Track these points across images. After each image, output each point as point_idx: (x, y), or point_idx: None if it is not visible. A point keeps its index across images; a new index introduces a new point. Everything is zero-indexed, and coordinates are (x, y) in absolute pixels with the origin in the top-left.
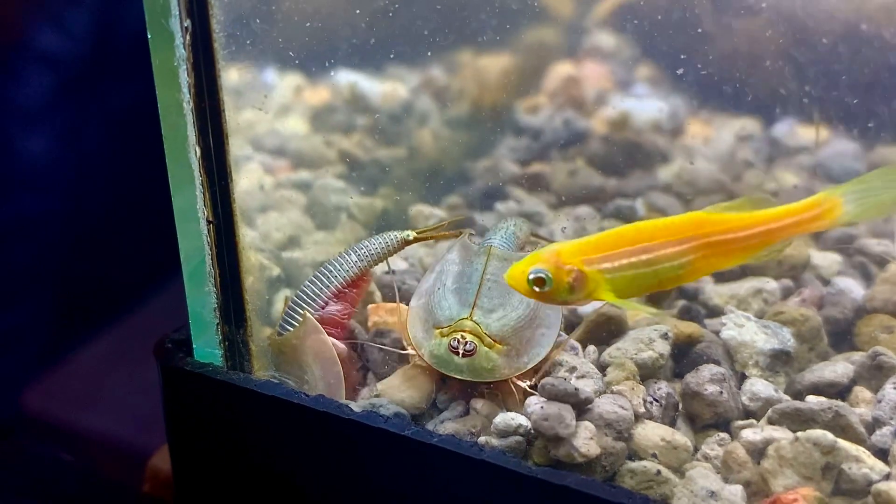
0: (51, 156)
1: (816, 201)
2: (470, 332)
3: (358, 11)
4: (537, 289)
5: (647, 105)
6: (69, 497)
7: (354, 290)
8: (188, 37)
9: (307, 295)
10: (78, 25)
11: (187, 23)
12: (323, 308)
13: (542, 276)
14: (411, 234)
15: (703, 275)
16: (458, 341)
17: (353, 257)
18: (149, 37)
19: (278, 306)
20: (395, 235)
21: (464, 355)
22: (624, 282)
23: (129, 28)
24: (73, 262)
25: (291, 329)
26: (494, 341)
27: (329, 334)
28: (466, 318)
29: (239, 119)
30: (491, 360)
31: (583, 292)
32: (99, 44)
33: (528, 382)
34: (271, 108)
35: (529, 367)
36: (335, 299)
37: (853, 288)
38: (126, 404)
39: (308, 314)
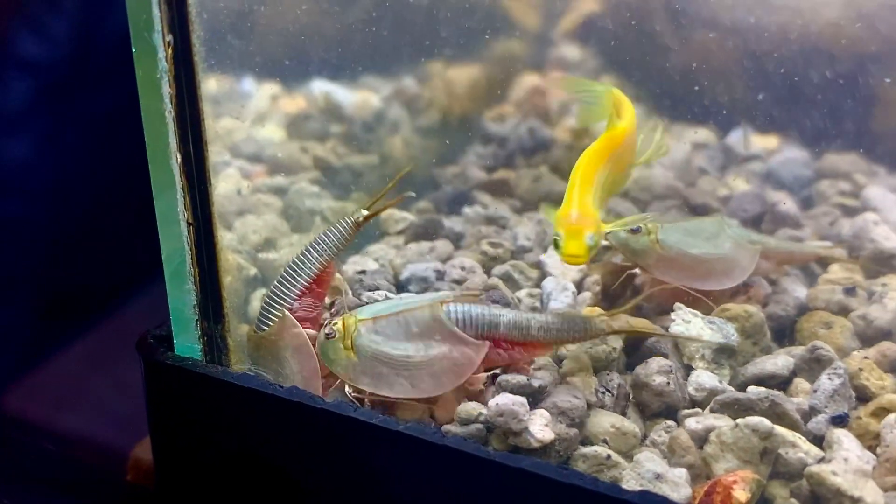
0: (32, 160)
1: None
2: (344, 326)
3: (333, 25)
4: (592, 251)
5: None
6: (54, 485)
7: (320, 285)
8: (170, 50)
9: (277, 295)
10: (59, 31)
11: (169, 37)
12: (292, 306)
13: (595, 238)
14: (362, 215)
15: None
16: (328, 323)
17: (314, 254)
18: (133, 50)
19: (255, 304)
20: (346, 221)
21: (325, 336)
22: (599, 206)
23: (110, 34)
24: (54, 265)
25: (267, 327)
26: (351, 348)
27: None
28: (356, 318)
29: (217, 127)
30: (336, 354)
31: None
32: (79, 50)
33: (354, 393)
34: (248, 116)
35: (365, 390)
36: (304, 295)
37: (796, 287)
38: (107, 404)
39: (286, 312)
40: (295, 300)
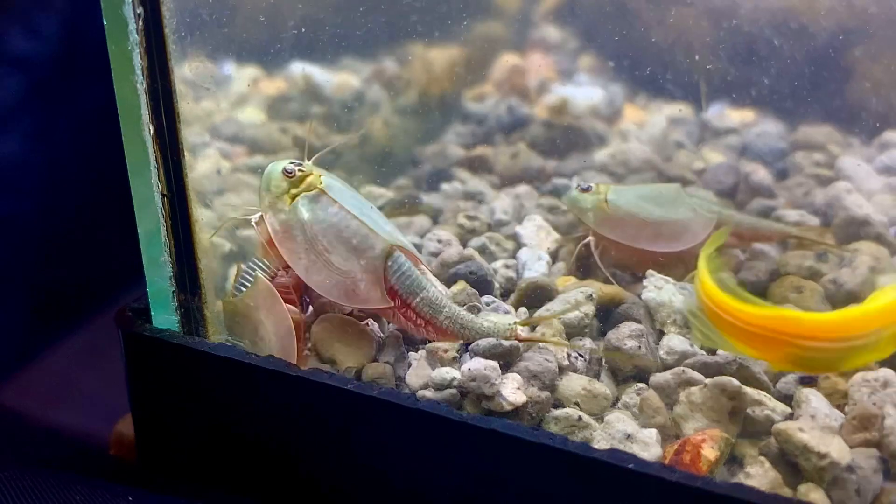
0: (22, 157)
1: None
2: (306, 176)
3: (312, 6)
4: None
5: (586, 92)
6: (37, 459)
7: None
8: (140, 22)
9: (259, 262)
10: (48, 28)
11: (139, 10)
12: (273, 277)
13: None
14: None
15: None
16: (295, 164)
17: None
18: (105, 24)
19: (232, 279)
20: None
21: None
22: None
23: (99, 30)
24: (46, 262)
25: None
26: (290, 201)
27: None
28: (320, 180)
29: (197, 108)
30: (282, 198)
31: None
32: (69, 46)
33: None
34: (229, 97)
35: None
36: (285, 271)
37: (768, 253)
38: (98, 397)
39: (260, 276)
40: (276, 273)
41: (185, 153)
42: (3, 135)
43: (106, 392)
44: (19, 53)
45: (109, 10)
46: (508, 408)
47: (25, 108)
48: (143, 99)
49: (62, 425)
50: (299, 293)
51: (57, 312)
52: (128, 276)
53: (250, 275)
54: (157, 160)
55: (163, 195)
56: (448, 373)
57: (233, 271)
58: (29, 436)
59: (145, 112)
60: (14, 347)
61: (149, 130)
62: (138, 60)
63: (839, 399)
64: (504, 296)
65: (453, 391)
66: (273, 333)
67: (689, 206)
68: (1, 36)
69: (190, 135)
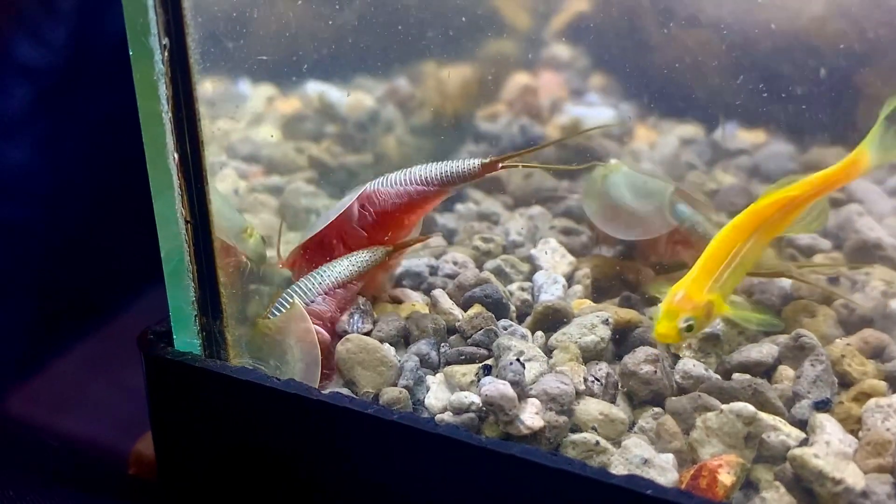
0: (30, 164)
1: (846, 162)
2: None
3: (327, 27)
4: (688, 333)
5: (598, 112)
6: (58, 479)
7: (343, 294)
8: (166, 53)
9: (300, 288)
10: (56, 36)
11: (165, 41)
12: (311, 302)
13: (692, 322)
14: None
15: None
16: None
17: (346, 262)
18: (130, 53)
19: (253, 301)
20: (380, 250)
21: None
22: (728, 287)
23: (107, 38)
24: (54, 269)
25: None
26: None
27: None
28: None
29: (214, 128)
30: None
31: (712, 316)
32: (77, 54)
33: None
34: (244, 117)
35: None
36: (324, 297)
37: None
38: (110, 404)
39: (297, 301)
40: (315, 297)
41: (208, 179)
42: (10, 142)
43: (114, 401)
44: (27, 61)
45: (135, 39)
46: (526, 431)
47: (33, 115)
48: (168, 128)
49: (73, 437)
50: (334, 323)
51: (63, 320)
52: (134, 283)
53: (287, 300)
54: (181, 187)
55: (186, 221)
56: (467, 397)
57: (251, 289)
58: (40, 448)
59: (170, 140)
60: (20, 355)
61: (173, 158)
62: (163, 90)
63: (853, 424)
64: (520, 319)
65: (472, 415)
66: (300, 360)
67: (660, 205)
68: (8, 44)
69: (207, 155)
